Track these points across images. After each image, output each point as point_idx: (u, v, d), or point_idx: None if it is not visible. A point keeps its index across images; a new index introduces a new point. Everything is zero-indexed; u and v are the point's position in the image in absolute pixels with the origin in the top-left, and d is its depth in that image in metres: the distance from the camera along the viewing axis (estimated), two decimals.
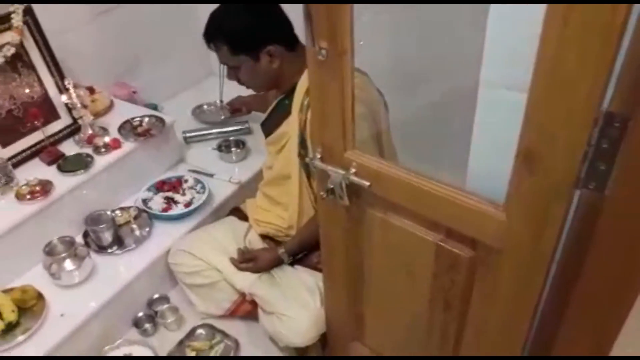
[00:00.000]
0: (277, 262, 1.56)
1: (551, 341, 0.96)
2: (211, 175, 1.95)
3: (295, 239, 1.56)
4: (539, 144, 0.71)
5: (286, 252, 1.55)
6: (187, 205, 1.80)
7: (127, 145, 1.79)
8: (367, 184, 0.97)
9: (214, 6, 1.41)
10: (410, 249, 1.05)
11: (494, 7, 0.75)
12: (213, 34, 1.40)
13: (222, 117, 2.22)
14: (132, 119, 1.90)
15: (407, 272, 1.10)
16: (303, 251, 1.56)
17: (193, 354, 1.57)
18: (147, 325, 1.64)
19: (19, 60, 1.66)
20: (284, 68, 1.40)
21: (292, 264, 1.58)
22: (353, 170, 0.99)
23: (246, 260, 1.58)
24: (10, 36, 1.60)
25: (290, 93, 1.44)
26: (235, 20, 1.37)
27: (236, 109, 2.11)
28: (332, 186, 1.05)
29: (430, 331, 1.15)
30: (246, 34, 1.36)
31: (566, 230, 0.83)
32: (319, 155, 1.05)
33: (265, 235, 1.67)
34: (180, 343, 1.61)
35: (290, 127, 1.44)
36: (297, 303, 1.45)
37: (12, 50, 1.60)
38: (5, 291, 1.50)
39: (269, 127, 1.57)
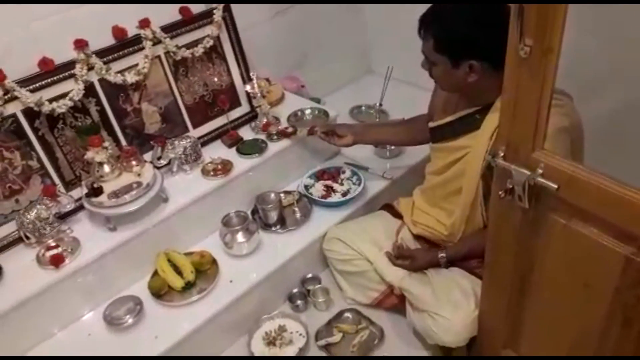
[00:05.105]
0: (434, 265, 1.58)
1: None
2: (366, 169, 2.02)
3: (460, 247, 1.56)
4: None
5: (447, 257, 1.56)
6: (344, 194, 1.89)
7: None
8: (555, 186, 0.94)
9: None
10: (592, 259, 1.00)
11: None
12: (428, 23, 1.35)
13: (378, 119, 2.29)
14: (300, 110, 2.05)
15: (585, 284, 1.05)
16: (465, 260, 1.55)
17: (340, 334, 1.65)
18: (299, 302, 1.76)
19: (214, 52, 1.88)
20: (480, 84, 1.35)
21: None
22: (540, 171, 0.97)
23: (403, 257, 1.61)
24: (210, 29, 1.82)
25: (483, 110, 1.40)
26: (455, 22, 1.30)
27: (328, 132, 1.82)
28: (511, 186, 1.04)
29: (602, 346, 1.09)
30: (457, 40, 1.31)
31: None
32: (501, 153, 1.04)
33: (419, 235, 1.70)
34: (329, 323, 1.70)
35: (475, 142, 1.41)
36: (450, 304, 1.45)
37: (211, 42, 1.82)
38: (187, 254, 1.71)
39: (444, 134, 1.53)
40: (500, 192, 1.06)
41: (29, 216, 1.53)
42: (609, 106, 1.67)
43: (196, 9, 1.81)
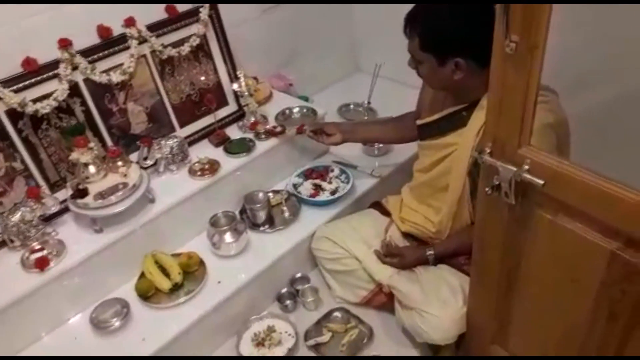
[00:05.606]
0: (422, 262, 1.58)
1: None
2: (354, 167, 2.01)
3: (448, 244, 1.57)
4: None
5: (435, 255, 1.56)
6: (333, 193, 1.89)
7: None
8: (541, 182, 0.95)
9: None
10: (579, 254, 1.01)
11: None
12: (413, 22, 1.35)
13: (366, 117, 2.29)
14: (289, 109, 2.05)
15: (571, 279, 1.06)
16: (453, 257, 1.56)
17: (329, 334, 1.65)
18: (288, 302, 1.75)
19: (200, 50, 1.87)
20: (466, 81, 1.35)
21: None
22: (526, 167, 0.97)
23: (391, 255, 1.61)
24: (196, 28, 1.80)
25: (469, 107, 1.41)
26: (440, 20, 1.31)
27: (317, 131, 1.83)
28: (498, 182, 1.05)
29: (588, 341, 1.10)
30: (443, 38, 1.31)
31: None
32: (488, 150, 1.05)
33: (407, 232, 1.71)
34: (318, 323, 1.69)
35: (462, 139, 1.41)
36: (439, 301, 1.45)
37: (197, 41, 1.81)
38: (174, 255, 1.69)
39: (432, 131, 1.54)
40: (487, 189, 1.07)
41: (13, 219, 1.51)
42: (594, 102, 1.69)
43: (182, 7, 1.79)
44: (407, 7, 1.38)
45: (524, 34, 0.85)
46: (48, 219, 1.61)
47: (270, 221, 1.83)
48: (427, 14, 1.33)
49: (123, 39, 1.68)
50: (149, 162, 1.74)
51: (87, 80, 1.63)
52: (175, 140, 1.77)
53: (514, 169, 0.99)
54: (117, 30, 1.67)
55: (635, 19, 1.51)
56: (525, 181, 0.98)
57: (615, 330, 1.02)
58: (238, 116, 2.00)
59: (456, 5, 1.30)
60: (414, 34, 1.35)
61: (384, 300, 1.66)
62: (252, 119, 1.94)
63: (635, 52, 1.56)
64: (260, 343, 1.62)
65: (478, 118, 1.35)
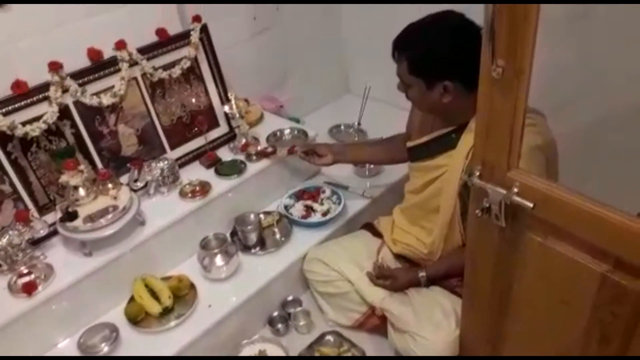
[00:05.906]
0: (414, 284, 1.58)
1: None
2: (345, 188, 2.02)
3: (440, 266, 1.56)
4: None
5: (427, 276, 1.56)
6: (324, 214, 1.88)
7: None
8: (531, 205, 0.95)
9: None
10: (569, 277, 1.00)
11: None
12: (402, 45, 1.36)
13: (357, 138, 2.30)
14: (280, 130, 2.06)
15: (562, 301, 1.05)
16: (445, 278, 1.55)
17: None
18: (280, 325, 1.73)
19: (191, 73, 1.88)
20: (455, 104, 1.35)
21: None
22: (515, 190, 0.98)
23: (383, 277, 1.61)
24: (187, 51, 1.81)
25: (459, 129, 1.42)
26: (427, 44, 1.32)
27: (308, 152, 1.83)
28: (488, 205, 1.05)
29: None
30: (431, 61, 1.32)
31: None
32: (477, 173, 1.05)
33: (399, 254, 1.70)
34: (310, 347, 1.67)
35: (452, 161, 1.42)
36: (431, 324, 1.44)
37: (188, 63, 1.82)
38: (164, 279, 1.67)
39: (422, 153, 1.54)
40: (477, 211, 1.07)
41: (0, 242, 1.49)
42: (581, 123, 1.71)
43: (173, 30, 1.81)
44: (397, 29, 1.39)
45: (510, 59, 0.86)
46: (36, 242, 1.59)
47: (261, 243, 1.82)
48: (415, 39, 1.35)
49: (114, 61, 1.68)
50: (140, 185, 1.73)
51: (77, 103, 1.63)
52: (165, 162, 1.76)
53: (504, 191, 0.99)
54: (107, 53, 1.68)
55: (620, 37, 1.53)
56: (515, 204, 0.98)
57: (608, 352, 1.01)
58: (229, 138, 2.00)
59: (444, 30, 1.32)
60: (402, 58, 1.37)
61: (377, 323, 1.65)
62: (244, 141, 1.94)
63: (620, 71, 1.58)
64: None
65: (467, 140, 1.36)
